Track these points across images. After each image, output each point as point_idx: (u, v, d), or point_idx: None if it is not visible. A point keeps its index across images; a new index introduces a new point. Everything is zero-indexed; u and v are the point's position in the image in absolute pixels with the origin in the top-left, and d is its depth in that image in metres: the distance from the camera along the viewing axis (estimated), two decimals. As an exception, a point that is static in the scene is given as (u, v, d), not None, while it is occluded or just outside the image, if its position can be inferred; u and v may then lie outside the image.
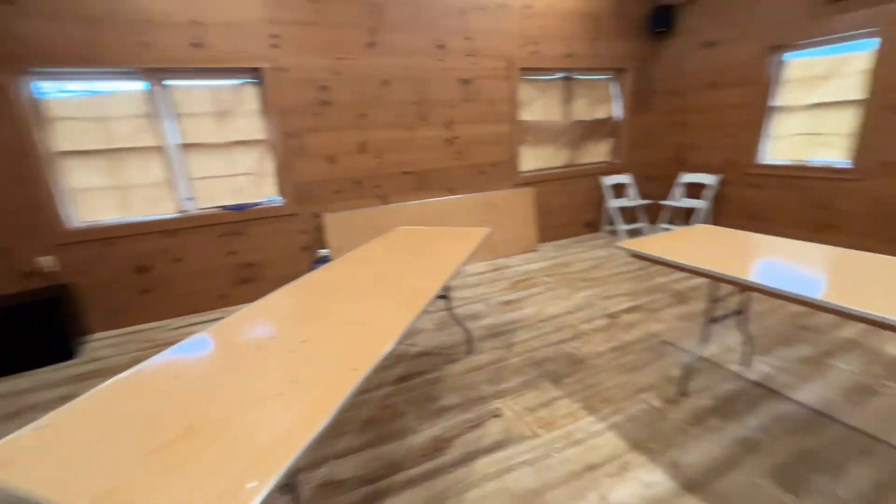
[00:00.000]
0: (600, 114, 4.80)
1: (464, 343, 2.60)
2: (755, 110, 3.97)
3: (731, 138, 4.21)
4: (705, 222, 4.48)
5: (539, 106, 4.43)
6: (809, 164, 3.70)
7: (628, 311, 2.91)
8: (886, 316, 1.15)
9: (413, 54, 3.62)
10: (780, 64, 3.82)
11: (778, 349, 2.33)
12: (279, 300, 1.58)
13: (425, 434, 1.83)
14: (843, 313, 1.25)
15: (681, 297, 3.08)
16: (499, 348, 2.52)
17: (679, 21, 4.48)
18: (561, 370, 2.26)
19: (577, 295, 3.24)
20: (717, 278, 1.61)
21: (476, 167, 4.18)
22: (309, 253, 3.63)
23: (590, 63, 4.42)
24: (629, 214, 5.12)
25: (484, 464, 1.65)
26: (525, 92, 4.29)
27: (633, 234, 4.74)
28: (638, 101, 4.85)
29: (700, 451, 1.65)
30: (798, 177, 3.73)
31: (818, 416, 1.80)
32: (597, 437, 1.76)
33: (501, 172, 4.32)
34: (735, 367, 2.19)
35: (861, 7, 3.14)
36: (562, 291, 3.33)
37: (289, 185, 3.42)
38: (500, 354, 2.45)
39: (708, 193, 4.38)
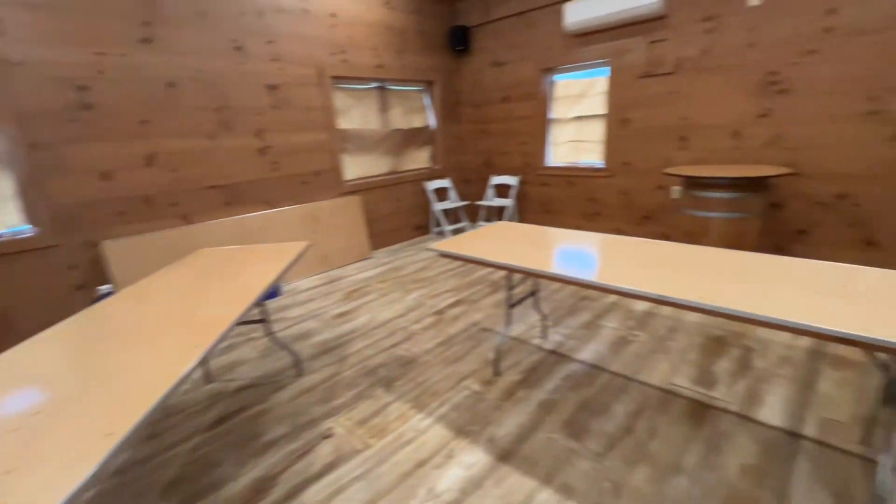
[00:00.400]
0: (417, 123, 5.08)
1: (292, 366, 2.43)
2: (538, 121, 4.72)
3: (524, 145, 4.93)
4: (513, 218, 5.16)
5: (356, 114, 4.45)
6: (579, 166, 4.59)
7: (453, 305, 3.15)
8: (633, 287, 1.48)
9: (205, 55, 3.23)
10: (552, 83, 4.63)
11: (566, 319, 2.82)
12: (12, 361, 1.21)
13: (246, 478, 1.65)
14: (604, 288, 1.56)
15: (496, 287, 3.47)
16: (332, 364, 2.44)
17: (474, 41, 5.04)
18: (393, 374, 2.30)
19: (408, 297, 3.36)
20: (509, 269, 1.85)
21: (296, 177, 3.97)
22: (85, 292, 2.93)
23: (399, 74, 4.63)
24: (453, 215, 5.56)
25: (314, 492, 1.57)
26: (341, 100, 4.25)
27: (457, 232, 5.15)
28: (448, 112, 5.29)
29: (511, 422, 1.87)
30: (573, 176, 4.58)
31: (593, 369, 2.23)
32: (425, 432, 1.84)
33: (325, 182, 4.20)
34: (537, 341, 2.56)
35: (596, 42, 4.03)
36: (395, 295, 3.41)
37: (43, 209, 2.69)
38: (333, 370, 2.38)
39: (513, 192, 5.04)
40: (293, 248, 2.26)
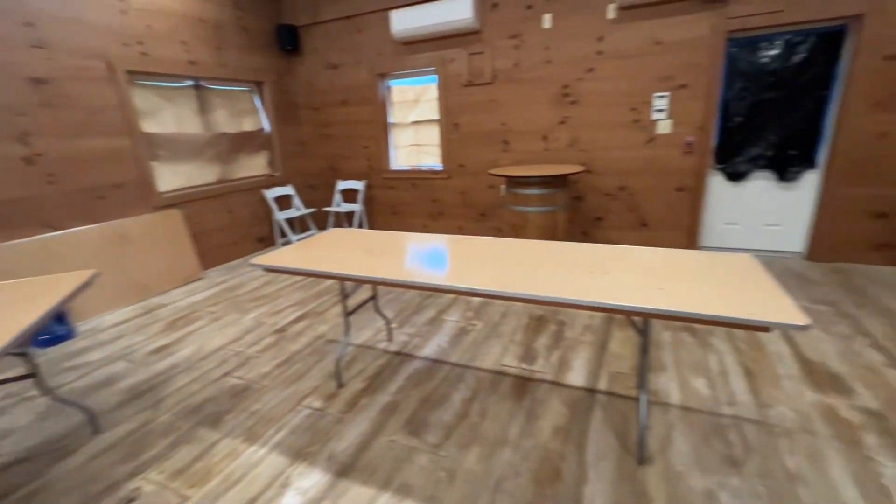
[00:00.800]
0: (248, 126, 4.65)
1: (87, 423, 1.99)
2: (379, 125, 4.76)
3: (367, 149, 4.92)
4: (362, 222, 5.12)
5: (169, 116, 3.87)
6: (421, 168, 4.77)
7: (297, 320, 2.97)
8: (458, 285, 1.56)
9: (-84, 35, 2.43)
10: (388, 88, 4.71)
11: (412, 318, 2.90)
12: None
13: (7, 582, 1.29)
14: (426, 288, 1.62)
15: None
16: (143, 410, 2.07)
17: (304, 42, 4.83)
18: (223, 407, 2.06)
19: (245, 318, 3.05)
20: (335, 277, 1.80)
21: (87, 192, 3.27)
22: None
23: (220, 73, 4.18)
24: (300, 224, 5.27)
25: (109, 572, 1.30)
26: (145, 100, 3.65)
27: (306, 242, 4.90)
28: (283, 114, 4.98)
29: (352, 434, 1.84)
30: (416, 178, 4.74)
31: (435, 364, 2.33)
32: (258, 465, 1.69)
33: (131, 195, 3.56)
34: (383, 345, 2.58)
35: (423, 51, 4.23)
36: (229, 318, 3.07)
37: None
38: (145, 418, 2.02)
39: (360, 197, 4.99)
40: (69, 280, 1.84)
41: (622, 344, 2.43)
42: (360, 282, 1.76)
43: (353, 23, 4.48)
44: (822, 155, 3.31)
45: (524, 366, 2.27)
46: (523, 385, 2.11)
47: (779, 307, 1.25)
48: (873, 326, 2.45)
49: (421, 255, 1.90)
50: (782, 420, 1.77)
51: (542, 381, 2.13)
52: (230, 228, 4.45)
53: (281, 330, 2.84)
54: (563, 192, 3.41)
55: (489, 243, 2.01)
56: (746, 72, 3.31)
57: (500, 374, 2.21)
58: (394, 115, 4.77)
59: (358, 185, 5.01)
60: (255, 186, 4.70)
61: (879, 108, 2.97)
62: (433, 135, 4.61)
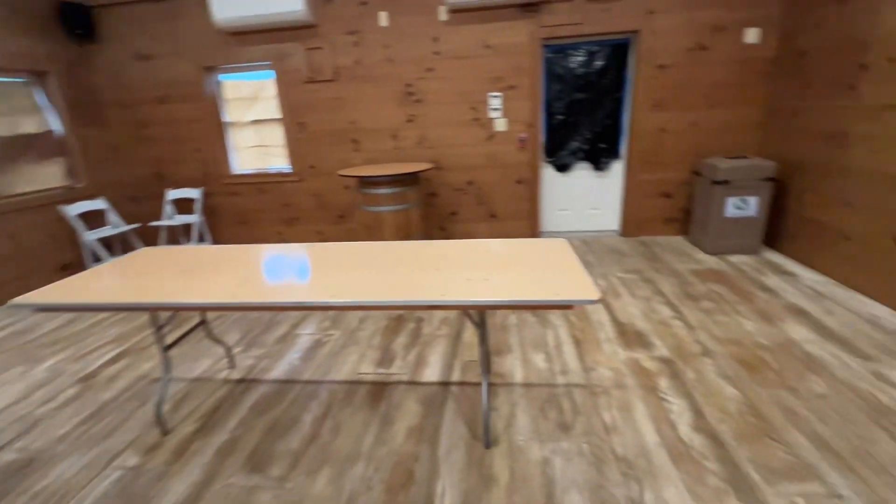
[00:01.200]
0: (28, 127, 3.72)
1: None
2: (212, 125, 4.23)
3: (200, 152, 4.33)
4: (203, 235, 4.52)
5: None
6: (268, 171, 4.39)
7: (112, 361, 2.47)
8: (301, 300, 1.39)
9: None
10: (219, 84, 4.21)
11: (261, 337, 2.63)
12: None
13: None
14: (275, 307, 1.43)
15: (177, 323, 2.93)
16: None
17: (101, 26, 4.03)
18: (-9, 495, 1.59)
19: (37, 369, 2.43)
20: (133, 309, 1.51)
21: None
22: None
23: (-28, 59, 3.24)
24: (122, 243, 4.43)
25: None
26: None
27: (130, 264, 4.13)
28: (83, 113, 4.10)
29: (179, 488, 1.57)
30: (263, 182, 4.35)
31: (284, 385, 2.15)
32: (41, 559, 1.33)
33: None
34: (224, 374, 2.28)
35: (255, 43, 3.87)
36: (13, 373, 2.41)
37: None
38: None
39: (198, 207, 4.39)
40: None
41: (475, 333, 2.55)
42: (170, 310, 1.50)
43: (166, 7, 3.88)
44: (624, 147, 3.93)
45: (381, 370, 2.22)
46: (380, 391, 2.06)
47: (580, 285, 1.40)
48: (665, 287, 2.99)
49: (257, 269, 1.71)
50: (602, 380, 2.04)
51: (399, 382, 2.11)
52: (16, 257, 3.52)
53: (88, 377, 2.32)
54: (414, 189, 3.45)
55: (330, 249, 1.90)
56: (561, 75, 3.75)
57: (356, 383, 2.13)
58: (229, 114, 4.29)
59: (194, 193, 4.39)
60: (50, 202, 3.79)
61: (657, 107, 3.64)
62: (277, 134, 4.26)
